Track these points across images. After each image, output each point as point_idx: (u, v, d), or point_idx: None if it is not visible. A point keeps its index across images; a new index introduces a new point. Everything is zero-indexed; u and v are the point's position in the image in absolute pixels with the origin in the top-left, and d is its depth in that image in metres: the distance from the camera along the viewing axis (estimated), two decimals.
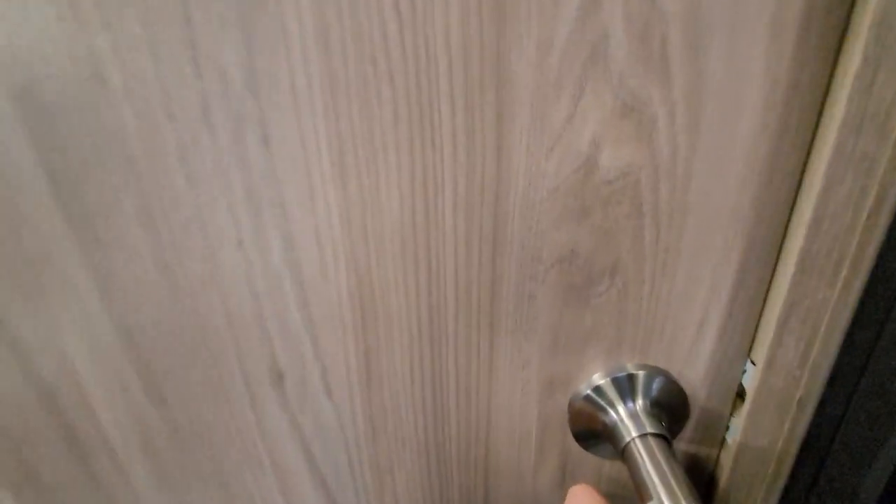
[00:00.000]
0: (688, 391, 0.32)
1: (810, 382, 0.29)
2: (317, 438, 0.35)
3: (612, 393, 0.33)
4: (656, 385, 0.32)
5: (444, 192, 0.27)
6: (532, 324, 0.31)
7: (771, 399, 0.30)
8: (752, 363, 0.31)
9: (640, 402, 0.32)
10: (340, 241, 0.28)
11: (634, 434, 0.30)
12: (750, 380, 0.31)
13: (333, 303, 0.30)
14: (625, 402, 0.33)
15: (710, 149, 0.25)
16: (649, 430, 0.30)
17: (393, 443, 0.36)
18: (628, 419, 0.31)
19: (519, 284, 0.30)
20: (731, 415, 0.34)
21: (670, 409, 0.33)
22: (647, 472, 0.28)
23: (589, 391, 0.33)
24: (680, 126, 0.25)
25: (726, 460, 0.35)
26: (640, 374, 0.32)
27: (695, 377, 0.33)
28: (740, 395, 0.33)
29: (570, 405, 0.34)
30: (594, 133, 0.25)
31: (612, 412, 0.32)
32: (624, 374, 0.32)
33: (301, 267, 0.28)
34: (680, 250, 0.28)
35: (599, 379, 0.33)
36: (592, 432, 0.35)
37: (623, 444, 0.30)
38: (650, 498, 0.26)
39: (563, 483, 0.39)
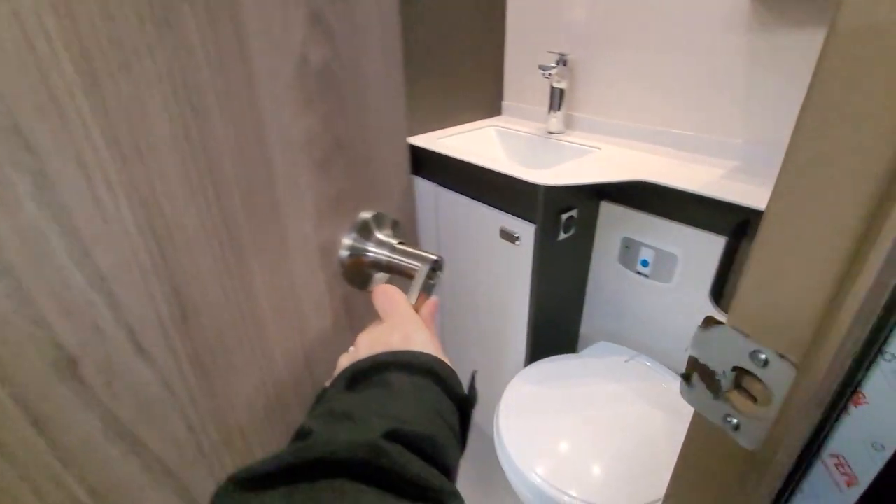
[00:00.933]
0: (400, 218, 0.49)
1: None
2: (141, 418, 0.30)
3: (360, 240, 0.45)
4: (385, 222, 0.47)
5: (207, 99, 0.28)
6: (302, 203, 0.38)
7: None
8: None
9: (380, 236, 0.47)
10: (112, 165, 0.25)
11: (387, 253, 0.45)
12: None
13: (123, 245, 0.26)
14: (372, 241, 0.46)
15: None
16: (395, 244, 0.45)
17: (226, 377, 0.36)
18: (378, 248, 0.45)
19: (287, 172, 0.36)
20: None
21: (399, 230, 0.50)
22: (407, 258, 0.43)
23: (348, 243, 0.44)
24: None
25: None
26: (371, 216, 0.46)
27: (404, 211, 0.50)
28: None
29: (341, 262, 0.45)
30: (304, 35, 0.33)
31: (368, 252, 0.46)
32: (364, 220, 0.45)
33: (70, 211, 0.24)
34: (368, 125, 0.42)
35: (351, 232, 0.45)
36: (361, 273, 0.47)
37: (383, 263, 0.45)
38: (415, 269, 0.42)
39: (352, 325, 0.49)
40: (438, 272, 0.43)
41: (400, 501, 0.22)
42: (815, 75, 0.20)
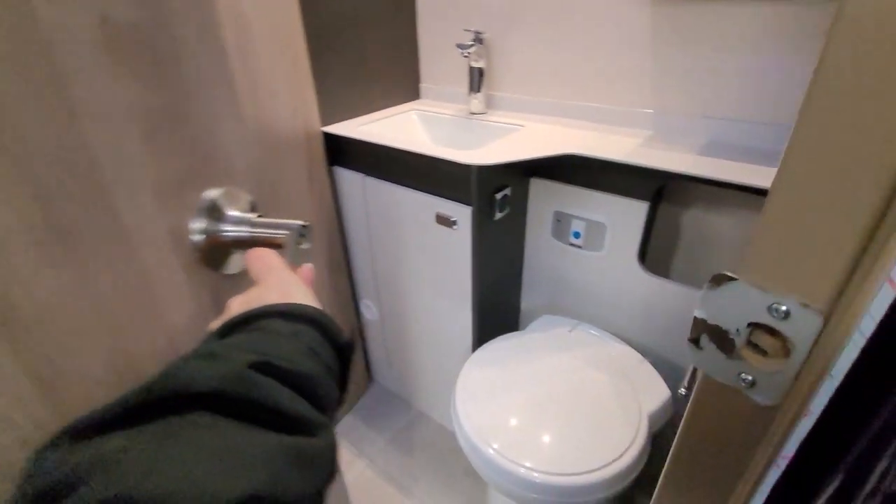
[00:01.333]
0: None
1: None
2: None
3: (214, 220, 0.41)
4: (239, 198, 0.44)
5: None
6: (135, 184, 0.32)
7: None
8: None
9: (234, 213, 0.43)
10: None
11: (248, 229, 0.41)
12: None
13: None
14: (227, 220, 0.42)
15: None
16: (254, 218, 0.42)
17: (78, 387, 0.28)
18: (236, 226, 0.42)
19: (108, 149, 0.29)
20: None
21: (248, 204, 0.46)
22: (271, 229, 0.41)
23: (199, 225, 0.40)
24: None
25: None
26: (221, 194, 0.42)
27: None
28: None
29: (196, 246, 0.40)
30: None
31: (226, 232, 0.42)
32: (211, 199, 0.41)
33: None
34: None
35: (200, 213, 0.40)
36: (223, 254, 0.43)
37: (245, 240, 0.41)
38: (282, 238, 0.40)
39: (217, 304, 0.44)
40: (307, 237, 0.43)
41: (266, 433, 0.20)
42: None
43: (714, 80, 0.91)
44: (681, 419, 0.30)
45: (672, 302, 1.02)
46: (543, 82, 1.15)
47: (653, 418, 0.88)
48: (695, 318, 0.26)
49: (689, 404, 0.28)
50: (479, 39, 1.16)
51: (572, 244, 1.13)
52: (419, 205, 1.05)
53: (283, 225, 0.41)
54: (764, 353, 0.24)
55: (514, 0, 1.10)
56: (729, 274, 0.24)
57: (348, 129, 1.13)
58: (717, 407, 0.26)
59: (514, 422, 0.86)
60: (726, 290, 0.24)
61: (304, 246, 0.41)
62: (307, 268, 0.38)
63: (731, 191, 0.80)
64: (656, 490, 0.35)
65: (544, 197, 1.14)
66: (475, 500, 1.20)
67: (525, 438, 0.82)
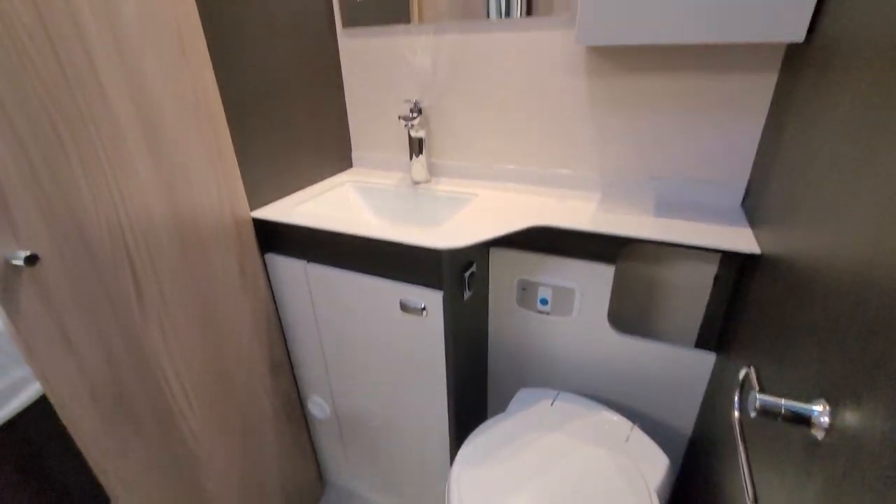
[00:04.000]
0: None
1: None
2: None
3: None
4: None
5: None
6: None
7: None
8: None
9: None
10: None
11: None
12: None
13: None
14: None
15: None
16: None
17: None
18: None
19: None
20: None
21: None
22: None
23: None
24: None
25: None
26: None
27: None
28: None
29: None
30: None
31: None
32: None
33: None
34: None
35: None
36: None
37: None
38: None
39: None
40: None
41: None
42: None
43: (654, 143, 0.96)
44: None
45: (647, 359, 1.02)
46: (486, 148, 1.13)
47: (660, 492, 0.84)
48: None
49: None
50: (418, 109, 1.11)
51: (540, 311, 1.09)
52: (379, 291, 0.94)
53: None
54: None
55: (451, 72, 1.08)
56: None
57: (282, 211, 1.00)
58: None
59: None
60: None
61: None
62: None
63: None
64: None
65: (506, 266, 1.10)
66: None
67: None
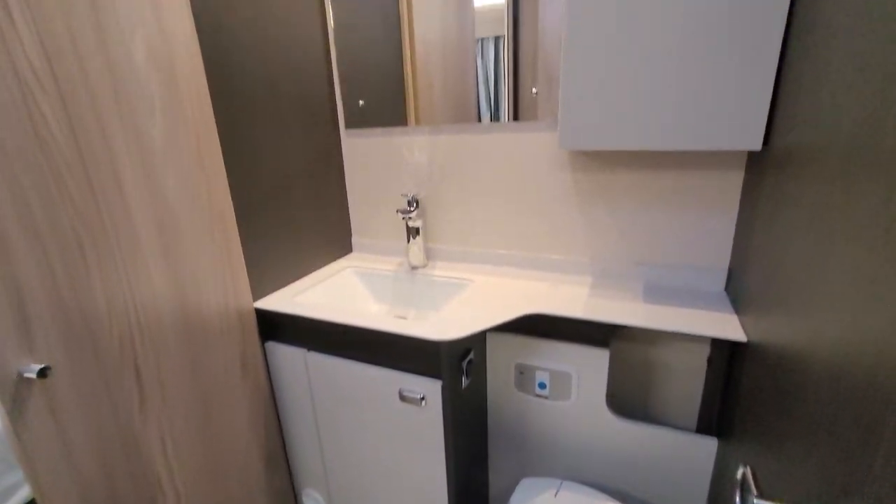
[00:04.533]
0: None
1: None
2: None
3: None
4: None
5: None
6: None
7: None
8: None
9: None
10: None
11: None
12: None
13: None
14: None
15: None
16: None
17: None
18: None
19: None
20: None
21: None
22: None
23: None
24: None
25: None
26: None
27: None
28: None
29: None
30: None
31: None
32: None
33: None
34: None
35: None
36: None
37: None
38: None
39: None
40: None
41: None
42: None
43: (639, 231, 1.02)
44: None
45: (649, 445, 1.01)
46: (481, 234, 1.19)
47: None
48: None
49: None
50: (416, 202, 1.19)
51: (539, 395, 1.09)
52: (378, 381, 0.95)
53: None
54: None
55: (445, 165, 1.17)
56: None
57: (284, 301, 1.03)
58: None
59: None
60: None
61: None
62: None
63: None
64: None
65: (504, 350, 1.11)
66: None
67: None
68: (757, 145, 0.76)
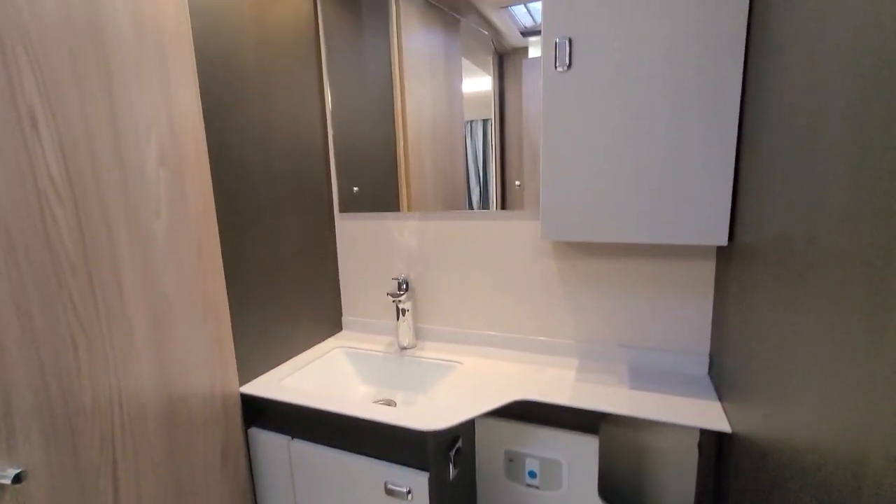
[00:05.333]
0: None
1: None
2: None
3: None
4: None
5: None
6: None
7: None
8: None
9: None
10: None
11: None
12: None
13: None
14: None
15: None
16: None
17: None
18: None
19: None
20: None
21: None
22: None
23: None
24: None
25: None
26: None
27: None
28: None
29: None
30: None
31: None
32: None
33: None
34: None
35: None
36: None
37: None
38: None
39: None
40: None
41: None
42: None
43: (621, 315, 1.05)
44: None
45: None
46: (469, 315, 1.22)
47: None
48: None
49: None
50: (406, 284, 1.22)
51: (529, 485, 1.06)
52: (363, 473, 0.92)
53: None
54: None
55: (434, 248, 1.22)
56: None
57: (270, 385, 1.02)
58: None
59: None
60: None
61: None
62: None
63: None
64: None
65: (492, 436, 1.10)
66: None
67: None
68: (723, 241, 0.82)
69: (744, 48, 0.75)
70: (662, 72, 0.80)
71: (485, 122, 1.12)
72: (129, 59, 0.74)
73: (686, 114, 0.80)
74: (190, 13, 0.85)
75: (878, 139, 0.35)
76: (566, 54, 0.86)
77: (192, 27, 0.86)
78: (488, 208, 1.14)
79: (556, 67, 0.87)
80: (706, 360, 0.99)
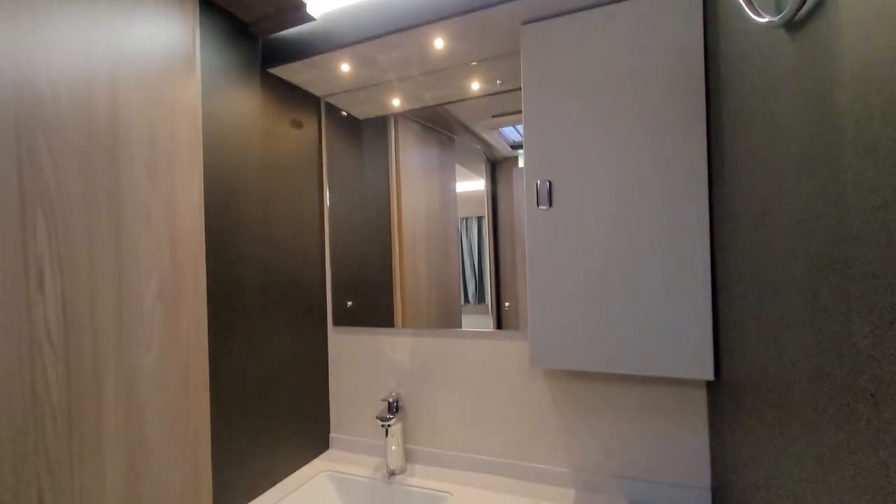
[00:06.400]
0: None
1: None
2: None
3: None
4: None
5: None
6: None
7: None
8: None
9: None
10: None
11: None
12: None
13: None
14: None
15: None
16: None
17: None
18: None
19: None
20: None
21: None
22: None
23: None
24: None
25: None
26: None
27: None
28: None
29: None
30: None
31: None
32: None
33: None
34: None
35: None
36: None
37: None
38: None
39: None
40: None
41: None
42: None
43: (617, 442, 1.02)
44: None
45: None
46: (460, 438, 1.17)
47: None
48: None
49: None
50: (396, 405, 1.20)
51: None
52: None
53: None
54: None
55: (426, 365, 1.21)
56: None
57: None
58: None
59: None
60: None
61: None
62: None
63: None
64: None
65: None
66: None
67: None
68: (709, 375, 0.82)
69: (707, 196, 0.82)
70: (639, 212, 0.86)
71: (479, 218, 1.18)
72: (141, 208, 0.80)
73: (660, 253, 0.85)
74: (203, 149, 0.94)
75: (828, 286, 0.38)
76: (546, 194, 0.93)
77: (204, 160, 0.94)
78: (484, 301, 1.16)
79: (538, 206, 0.94)
80: (708, 496, 0.94)
